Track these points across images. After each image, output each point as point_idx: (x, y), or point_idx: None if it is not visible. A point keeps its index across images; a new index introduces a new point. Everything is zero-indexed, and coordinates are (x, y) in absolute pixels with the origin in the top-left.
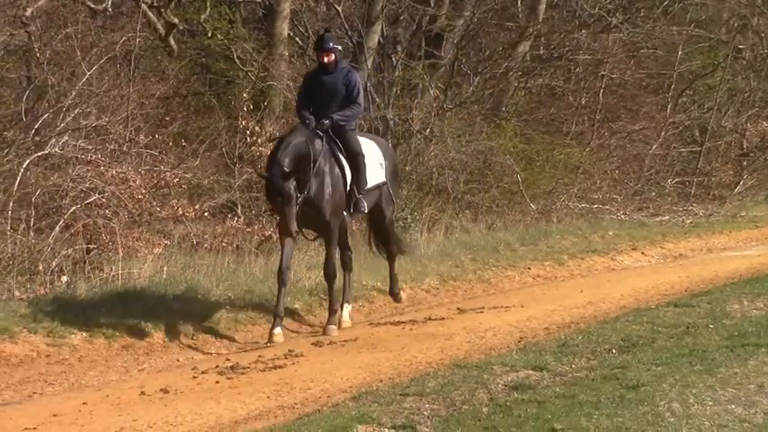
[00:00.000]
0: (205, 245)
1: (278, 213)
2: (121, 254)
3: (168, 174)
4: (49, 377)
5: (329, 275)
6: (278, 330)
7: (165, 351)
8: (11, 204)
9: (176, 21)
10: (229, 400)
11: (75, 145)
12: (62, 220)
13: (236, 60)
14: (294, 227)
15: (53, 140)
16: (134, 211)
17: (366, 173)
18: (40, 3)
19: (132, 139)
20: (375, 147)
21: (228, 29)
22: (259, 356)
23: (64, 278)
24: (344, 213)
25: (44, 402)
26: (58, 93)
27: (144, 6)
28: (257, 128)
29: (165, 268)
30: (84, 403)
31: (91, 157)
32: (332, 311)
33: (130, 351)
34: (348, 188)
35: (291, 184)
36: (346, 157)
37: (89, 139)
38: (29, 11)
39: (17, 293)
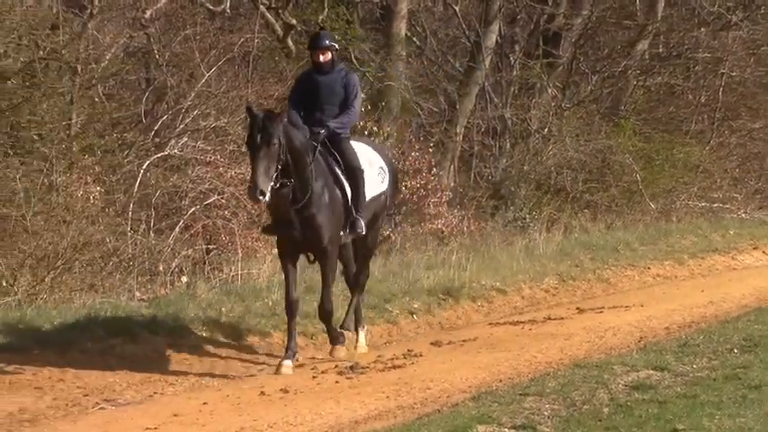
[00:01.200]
0: None
1: (251, 163)
2: (241, 254)
3: None
4: (169, 377)
5: (326, 313)
6: (288, 363)
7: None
8: (131, 205)
9: (294, 22)
10: (349, 400)
11: (195, 146)
12: (182, 221)
13: (354, 61)
14: (263, 185)
15: (172, 142)
16: (253, 211)
17: (365, 188)
18: (159, 5)
19: None
20: (372, 151)
21: (346, 29)
22: (378, 356)
23: (184, 278)
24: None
25: (165, 402)
26: (177, 94)
27: (262, 8)
28: (375, 128)
29: None
30: (204, 403)
31: (210, 158)
32: (336, 341)
33: (251, 351)
34: (347, 207)
35: (277, 132)
36: (344, 173)
37: (208, 140)
38: (148, 13)
39: (138, 294)
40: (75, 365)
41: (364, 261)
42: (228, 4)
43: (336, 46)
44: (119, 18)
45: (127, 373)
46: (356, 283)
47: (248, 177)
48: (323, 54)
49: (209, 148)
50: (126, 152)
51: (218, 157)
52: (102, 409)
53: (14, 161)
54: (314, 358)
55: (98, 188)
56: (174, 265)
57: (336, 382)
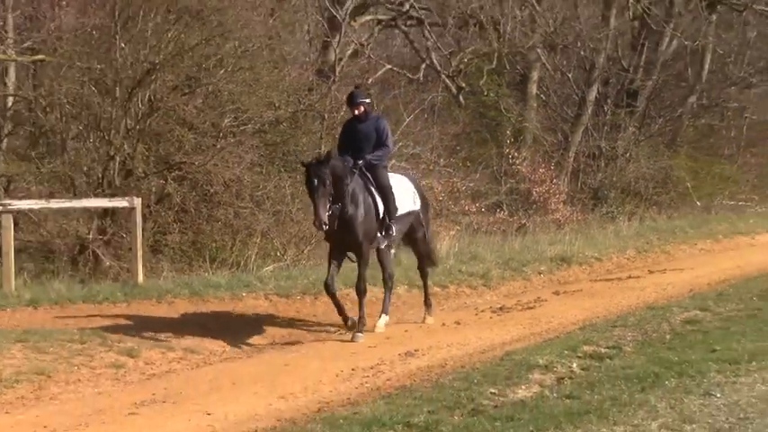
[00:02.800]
0: (482, 229)
1: (311, 201)
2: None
3: (459, 183)
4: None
5: (360, 290)
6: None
7: (457, 297)
8: None
9: (463, 85)
10: (499, 329)
11: (400, 166)
12: None
13: (503, 110)
14: (324, 217)
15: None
16: (437, 207)
17: (395, 202)
18: (377, 75)
19: (435, 161)
20: (407, 180)
21: (497, 90)
22: (518, 301)
23: (392, 250)
24: (378, 236)
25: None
26: None
27: (443, 76)
28: (516, 153)
29: (457, 244)
30: (405, 330)
31: (410, 173)
32: (361, 321)
33: (436, 297)
34: (381, 216)
35: (327, 176)
36: (377, 190)
37: (408, 162)
38: (370, 80)
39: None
40: (325, 306)
41: (423, 258)
42: (422, 74)
43: (368, 101)
44: (350, 83)
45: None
46: (422, 273)
47: (312, 211)
48: (357, 109)
49: (408, 167)
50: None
51: (415, 172)
52: (340, 334)
53: (285, 176)
54: (475, 302)
55: None
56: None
57: (490, 317)
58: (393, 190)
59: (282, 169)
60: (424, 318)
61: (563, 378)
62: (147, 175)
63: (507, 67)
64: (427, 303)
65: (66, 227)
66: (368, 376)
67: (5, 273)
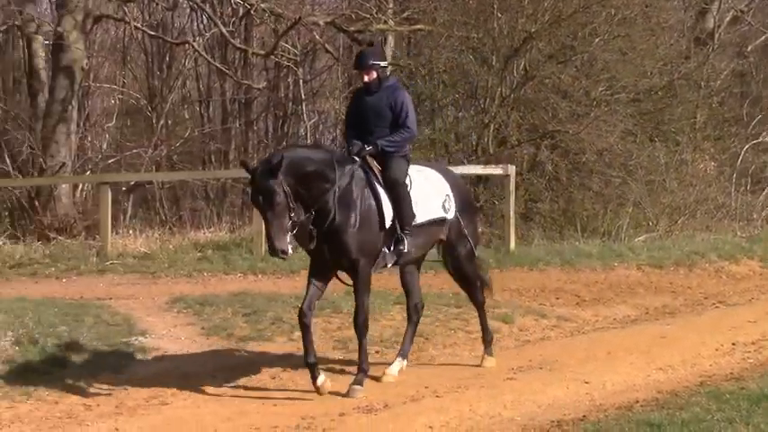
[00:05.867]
0: None
1: (263, 223)
2: None
3: None
4: (762, 288)
5: (359, 326)
6: (321, 380)
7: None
8: (734, 175)
9: None
10: None
11: None
12: None
13: None
14: (281, 245)
15: (764, 133)
16: None
17: (412, 205)
18: (757, 42)
19: None
20: (439, 177)
21: None
22: None
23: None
24: (385, 251)
25: (760, 304)
26: None
27: None
28: None
29: None
30: None
31: None
32: (360, 369)
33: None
34: (390, 223)
35: (279, 187)
36: (384, 187)
37: None
38: (749, 47)
39: (738, 233)
40: (699, 279)
41: (471, 284)
42: None
43: (382, 64)
44: (730, 52)
45: (732, 284)
46: (476, 304)
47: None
48: (367, 74)
49: None
50: (732, 140)
51: None
52: (716, 307)
53: (658, 145)
54: None
55: (713, 163)
56: (763, 214)
57: None
58: (413, 189)
59: (656, 138)
60: (482, 359)
61: None
62: (520, 142)
63: None
64: (486, 339)
65: None
66: (750, 351)
67: None
